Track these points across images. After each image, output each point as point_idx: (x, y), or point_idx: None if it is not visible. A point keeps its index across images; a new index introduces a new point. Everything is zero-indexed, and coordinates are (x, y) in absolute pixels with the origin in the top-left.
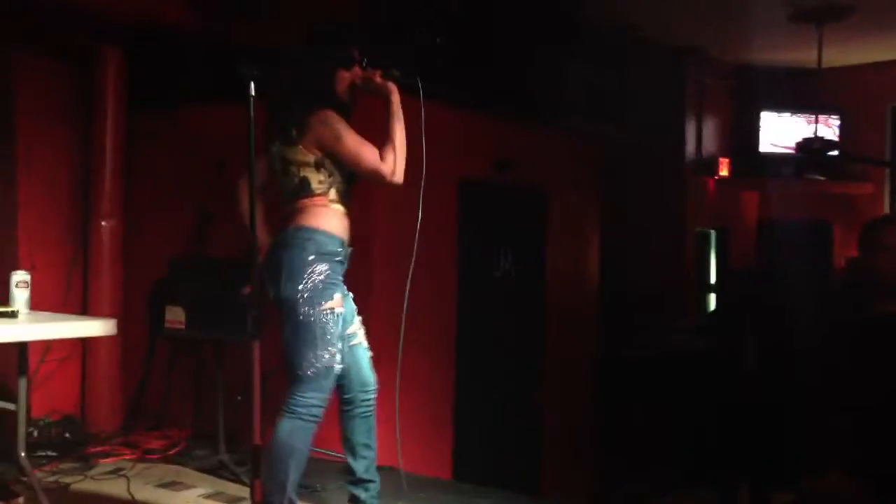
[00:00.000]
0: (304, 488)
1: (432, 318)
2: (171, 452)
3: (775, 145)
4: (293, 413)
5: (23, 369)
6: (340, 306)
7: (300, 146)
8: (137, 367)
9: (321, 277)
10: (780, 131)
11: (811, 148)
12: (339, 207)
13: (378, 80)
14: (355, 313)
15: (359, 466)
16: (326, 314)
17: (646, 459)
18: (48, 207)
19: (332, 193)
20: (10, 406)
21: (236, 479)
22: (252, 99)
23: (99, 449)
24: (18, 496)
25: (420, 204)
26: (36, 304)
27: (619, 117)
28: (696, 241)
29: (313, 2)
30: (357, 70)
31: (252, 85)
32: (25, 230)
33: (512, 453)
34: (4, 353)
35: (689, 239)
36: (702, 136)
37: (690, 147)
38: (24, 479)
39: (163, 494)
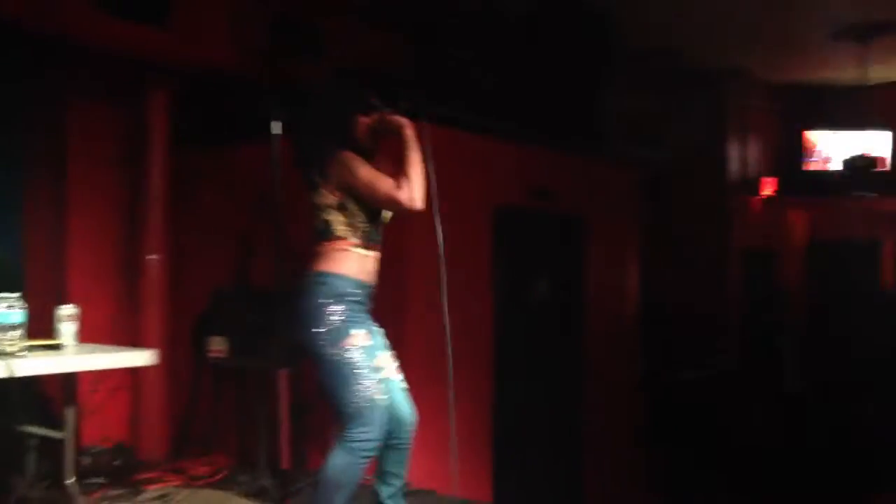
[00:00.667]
0: None
1: (468, 344)
2: (216, 478)
3: (822, 163)
4: (347, 449)
5: (70, 399)
6: (367, 340)
7: (323, 189)
8: (185, 395)
9: (337, 318)
10: (827, 149)
11: (859, 165)
12: (360, 251)
13: (388, 117)
14: (385, 348)
15: (385, 492)
16: (351, 350)
17: (695, 480)
18: (99, 243)
19: (355, 237)
20: (59, 434)
21: None
22: (275, 139)
23: (147, 475)
24: None
25: (438, 230)
26: (88, 337)
27: (659, 141)
28: (742, 261)
29: (356, 43)
30: (374, 115)
31: (274, 125)
32: (77, 266)
33: (553, 477)
34: (56, 384)
35: (733, 259)
36: (746, 156)
37: (734, 167)
38: None
39: None
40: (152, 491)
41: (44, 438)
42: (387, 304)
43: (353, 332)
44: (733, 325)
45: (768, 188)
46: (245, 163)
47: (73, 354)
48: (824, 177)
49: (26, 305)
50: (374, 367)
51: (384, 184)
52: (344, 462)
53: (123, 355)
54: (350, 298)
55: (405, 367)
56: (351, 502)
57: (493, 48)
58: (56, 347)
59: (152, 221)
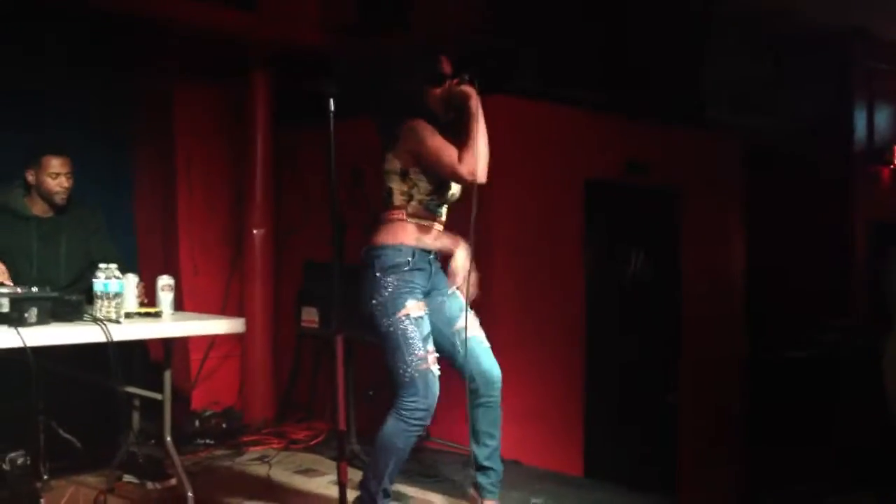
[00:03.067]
0: (427, 477)
1: (559, 317)
2: (312, 443)
3: None
4: (399, 416)
5: (167, 363)
6: (420, 310)
7: (391, 155)
8: (288, 364)
9: (390, 290)
10: None
11: None
12: (418, 220)
13: (455, 87)
14: (462, 310)
15: (481, 453)
16: (403, 321)
17: (800, 463)
18: (207, 217)
19: (412, 206)
20: (158, 396)
21: (364, 468)
22: (332, 115)
23: (250, 438)
24: (171, 477)
25: (476, 201)
26: (200, 307)
27: (771, 109)
28: (871, 235)
29: (445, 15)
30: (446, 85)
31: (332, 102)
32: (187, 237)
33: (646, 454)
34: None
35: (859, 232)
36: (873, 122)
37: (860, 135)
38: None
39: (298, 479)
40: (253, 452)
41: (152, 401)
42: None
43: (407, 303)
44: (860, 302)
45: None
46: (341, 140)
47: (168, 322)
48: None
49: (129, 276)
50: (426, 336)
51: (448, 156)
52: (396, 429)
53: (213, 322)
54: (406, 268)
55: (491, 339)
56: (400, 466)
57: (589, 15)
58: (155, 315)
59: (257, 196)
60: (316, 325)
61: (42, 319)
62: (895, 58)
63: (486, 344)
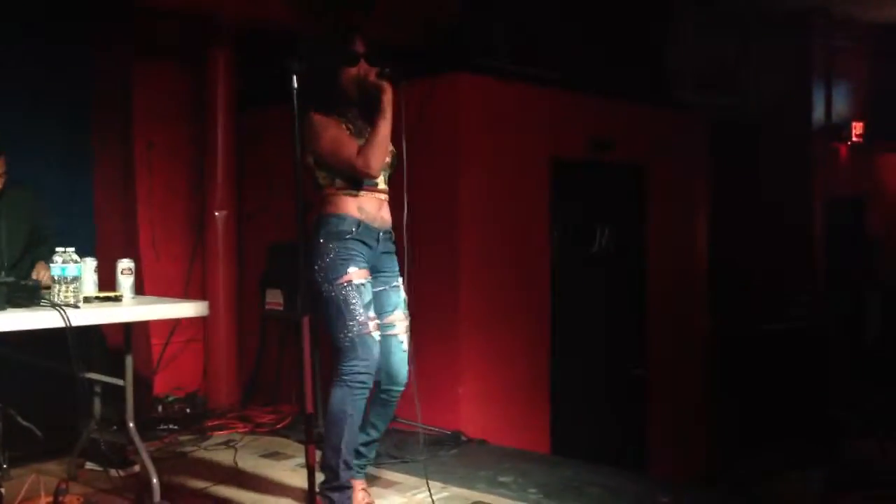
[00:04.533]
0: (392, 458)
1: (525, 295)
2: (279, 426)
3: None
4: (342, 382)
5: (128, 348)
6: (361, 278)
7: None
8: (252, 347)
9: (332, 255)
10: None
11: None
12: (352, 192)
13: (372, 78)
14: (399, 307)
15: (361, 439)
16: (344, 287)
17: (760, 438)
18: (168, 201)
19: (338, 182)
20: (119, 381)
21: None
22: (295, 93)
23: (215, 423)
24: (135, 464)
25: (405, 197)
26: (161, 290)
27: (735, 87)
28: (828, 211)
29: None
30: (363, 65)
31: (294, 79)
32: (147, 222)
33: (614, 431)
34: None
35: (816, 209)
36: (831, 100)
37: (818, 112)
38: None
39: (264, 463)
40: (218, 437)
41: (113, 386)
42: (440, 259)
43: (349, 269)
44: (817, 278)
45: (857, 132)
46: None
47: (128, 306)
48: None
49: (87, 260)
50: (367, 303)
51: (345, 150)
52: (341, 395)
53: (174, 306)
54: (349, 237)
55: (454, 320)
56: (356, 434)
57: None
58: (115, 299)
59: (219, 178)
60: (281, 308)
61: None
62: (853, 36)
63: (405, 346)
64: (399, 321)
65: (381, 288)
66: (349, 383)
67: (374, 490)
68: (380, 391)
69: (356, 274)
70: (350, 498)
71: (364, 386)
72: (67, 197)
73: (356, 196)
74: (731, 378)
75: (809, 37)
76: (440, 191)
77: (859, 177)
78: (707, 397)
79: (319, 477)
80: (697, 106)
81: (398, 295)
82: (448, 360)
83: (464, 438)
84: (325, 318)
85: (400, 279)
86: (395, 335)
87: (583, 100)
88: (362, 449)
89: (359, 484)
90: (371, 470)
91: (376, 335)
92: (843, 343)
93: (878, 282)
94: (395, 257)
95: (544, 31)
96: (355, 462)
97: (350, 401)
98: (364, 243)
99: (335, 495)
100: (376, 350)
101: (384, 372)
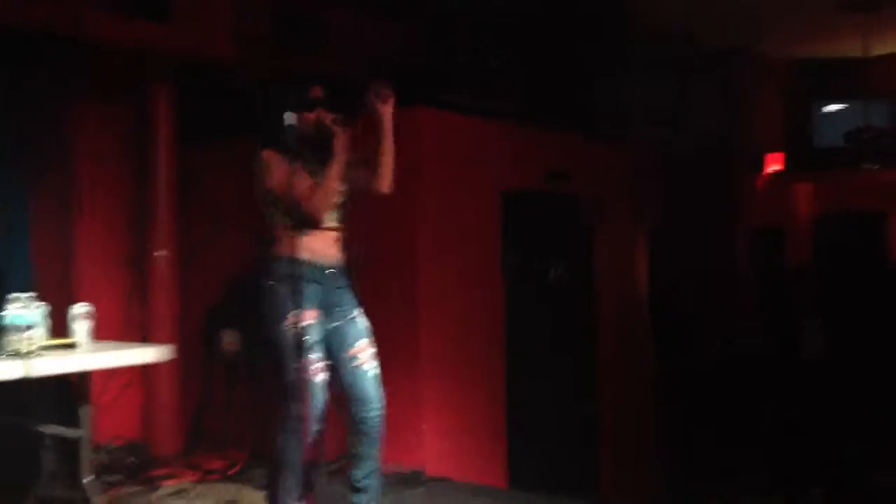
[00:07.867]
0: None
1: (480, 330)
2: (230, 472)
3: (828, 137)
4: (283, 427)
5: (84, 398)
6: (308, 319)
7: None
8: (197, 390)
9: (278, 299)
10: (832, 123)
11: (865, 137)
12: (301, 231)
13: (328, 123)
14: (360, 337)
15: (357, 474)
16: (289, 330)
17: (711, 468)
18: (107, 239)
19: (287, 220)
20: (75, 433)
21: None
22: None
23: (162, 471)
24: None
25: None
26: (99, 334)
27: (675, 123)
28: (752, 239)
29: (362, 34)
30: (320, 111)
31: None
32: (88, 263)
33: (568, 461)
34: (71, 383)
35: (742, 238)
36: (753, 133)
37: (742, 145)
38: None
39: None
40: (168, 487)
41: (60, 438)
42: (398, 293)
43: (293, 313)
44: (746, 304)
45: (775, 164)
46: (252, 155)
47: (87, 353)
48: (831, 151)
49: (41, 305)
50: (312, 347)
51: (296, 190)
52: (282, 440)
53: (138, 352)
54: (296, 278)
55: (414, 357)
56: (297, 477)
57: (504, 34)
58: (71, 346)
59: (160, 216)
60: (237, 349)
61: None
62: (772, 71)
63: (375, 373)
64: (361, 352)
65: (337, 322)
66: (284, 427)
67: None
68: (355, 422)
69: (302, 315)
70: None
71: (297, 430)
72: (2, 237)
73: (305, 235)
74: (677, 411)
75: (734, 74)
76: (398, 224)
77: (778, 207)
78: (657, 428)
79: None
80: (638, 140)
81: (356, 326)
82: (410, 398)
83: (425, 477)
84: (272, 360)
85: (357, 310)
86: (359, 366)
87: (531, 134)
88: (361, 483)
89: None
90: None
91: (319, 378)
92: (783, 369)
93: (800, 305)
94: (349, 291)
95: (502, 68)
96: (363, 499)
97: (291, 448)
98: (315, 282)
99: None
100: (320, 396)
101: (354, 401)
